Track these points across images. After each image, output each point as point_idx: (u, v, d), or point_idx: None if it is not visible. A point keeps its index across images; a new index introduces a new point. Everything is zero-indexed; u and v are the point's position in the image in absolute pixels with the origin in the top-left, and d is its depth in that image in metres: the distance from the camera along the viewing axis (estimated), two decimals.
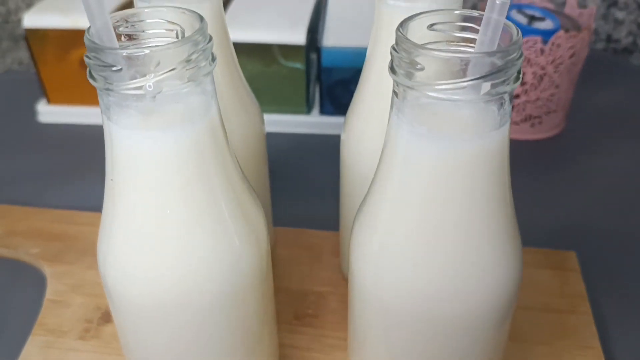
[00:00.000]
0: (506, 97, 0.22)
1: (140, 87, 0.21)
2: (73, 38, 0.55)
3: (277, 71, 0.55)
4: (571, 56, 0.51)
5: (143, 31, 0.24)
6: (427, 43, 0.23)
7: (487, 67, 0.20)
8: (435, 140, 0.22)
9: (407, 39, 0.21)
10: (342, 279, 0.40)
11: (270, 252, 0.29)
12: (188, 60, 0.22)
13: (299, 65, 0.54)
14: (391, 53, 0.22)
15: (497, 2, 0.21)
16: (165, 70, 0.21)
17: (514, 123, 0.55)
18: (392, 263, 0.24)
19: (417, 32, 0.23)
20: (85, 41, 0.21)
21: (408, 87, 0.21)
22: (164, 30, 0.24)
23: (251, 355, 0.30)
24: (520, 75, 0.21)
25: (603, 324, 0.37)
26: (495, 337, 0.27)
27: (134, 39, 0.24)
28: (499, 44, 0.21)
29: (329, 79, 0.55)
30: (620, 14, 0.68)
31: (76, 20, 0.54)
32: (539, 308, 0.38)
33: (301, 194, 0.49)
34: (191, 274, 0.25)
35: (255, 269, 0.27)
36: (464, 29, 0.24)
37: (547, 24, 0.53)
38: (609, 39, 0.69)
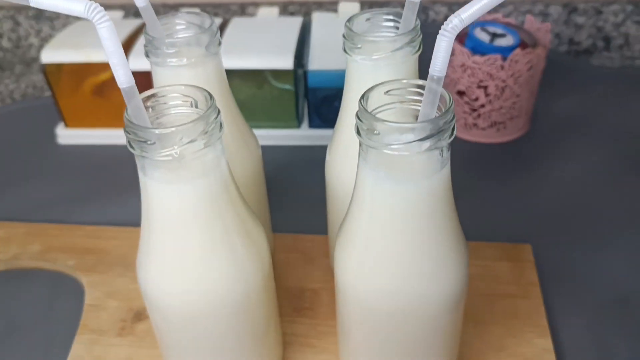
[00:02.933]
0: (444, 148, 0.29)
1: (169, 155, 0.28)
2: (86, 70, 0.62)
3: (269, 92, 0.62)
4: (529, 69, 0.58)
5: (165, 103, 0.31)
6: (383, 104, 0.31)
7: (426, 130, 0.27)
8: (392, 182, 0.29)
9: (367, 111, 0.28)
10: (331, 276, 0.47)
11: (272, 260, 0.36)
12: (205, 132, 0.29)
13: (288, 86, 0.61)
14: (355, 119, 0.29)
15: (435, 77, 0.28)
16: (188, 141, 0.28)
17: (481, 129, 0.62)
18: (367, 273, 0.32)
19: (376, 97, 0.30)
20: (125, 121, 0.29)
21: (369, 146, 0.28)
22: (181, 102, 0.31)
23: (261, 344, 0.37)
24: (454, 132, 0.28)
25: (550, 306, 0.45)
26: (449, 326, 0.34)
27: (158, 109, 0.31)
28: (438, 106, 0.29)
29: (315, 97, 0.62)
30: (580, 19, 0.75)
31: (88, 54, 0.61)
32: (496, 294, 0.45)
33: (295, 198, 0.57)
34: (210, 290, 0.32)
35: (260, 281, 0.34)
36: (412, 92, 0.31)
37: (507, 40, 0.60)
38: (570, 41, 0.76)
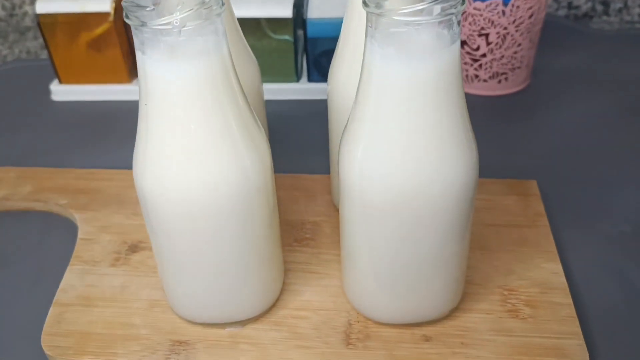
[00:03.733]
0: (454, 19, 0.28)
1: (168, 23, 0.27)
2: (81, 21, 0.61)
3: (268, 44, 0.61)
4: (530, 16, 0.58)
5: None
6: None
7: None
8: (401, 59, 0.28)
9: None
10: (334, 210, 0.46)
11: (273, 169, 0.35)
12: (203, 2, 0.28)
13: (288, 37, 0.60)
14: None
15: None
16: (187, 9, 0.27)
17: (483, 80, 0.61)
18: (373, 162, 0.31)
19: None
20: None
21: (378, 14, 0.27)
22: None
23: (263, 268, 0.36)
24: (465, 2, 0.27)
25: (557, 235, 0.43)
26: (456, 228, 0.33)
27: None
28: None
29: (314, 49, 0.61)
30: None
31: (83, 5, 0.60)
32: (504, 225, 0.44)
33: (295, 149, 0.55)
34: (209, 181, 0.31)
35: (260, 178, 0.32)
36: None
37: None
38: (569, 5, 0.76)
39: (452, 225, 0.32)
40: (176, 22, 0.27)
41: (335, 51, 0.40)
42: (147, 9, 0.27)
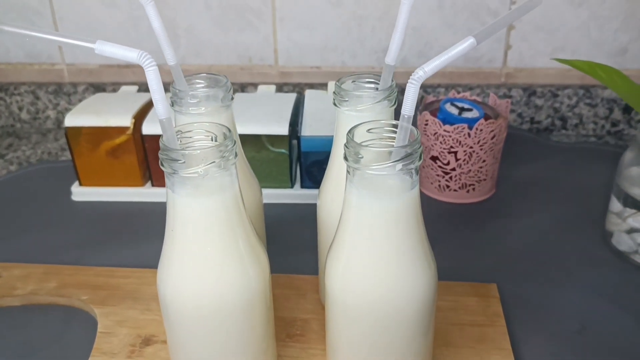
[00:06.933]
0: (413, 171, 0.36)
1: (194, 172, 0.35)
2: (103, 133, 0.70)
3: (267, 155, 0.70)
4: (492, 138, 0.67)
5: (191, 137, 0.39)
6: (366, 140, 0.38)
7: (399, 155, 0.35)
8: (373, 198, 0.36)
9: (354, 140, 0.36)
10: (321, 308, 0.53)
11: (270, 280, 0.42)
12: (222, 157, 0.36)
13: (284, 150, 0.69)
14: (344, 148, 0.36)
15: (405, 116, 0.36)
16: (210, 162, 0.35)
17: (453, 190, 0.70)
18: (351, 277, 0.38)
19: (361, 133, 0.38)
20: (160, 145, 0.36)
21: (355, 168, 0.36)
22: (204, 136, 0.39)
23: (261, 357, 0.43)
24: (422, 158, 0.36)
25: (513, 333, 0.51)
26: (421, 328, 0.40)
27: (184, 142, 0.39)
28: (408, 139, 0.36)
29: (307, 160, 0.70)
30: (539, 101, 0.85)
31: (107, 119, 0.69)
32: (466, 324, 0.51)
33: (289, 248, 0.63)
34: (220, 290, 0.38)
35: (260, 284, 0.40)
36: (388, 131, 0.38)
37: (473, 113, 0.69)
38: (532, 121, 0.86)
39: (416, 327, 0.40)
40: (201, 172, 0.35)
41: (324, 179, 0.49)
42: (179, 161, 0.35)
